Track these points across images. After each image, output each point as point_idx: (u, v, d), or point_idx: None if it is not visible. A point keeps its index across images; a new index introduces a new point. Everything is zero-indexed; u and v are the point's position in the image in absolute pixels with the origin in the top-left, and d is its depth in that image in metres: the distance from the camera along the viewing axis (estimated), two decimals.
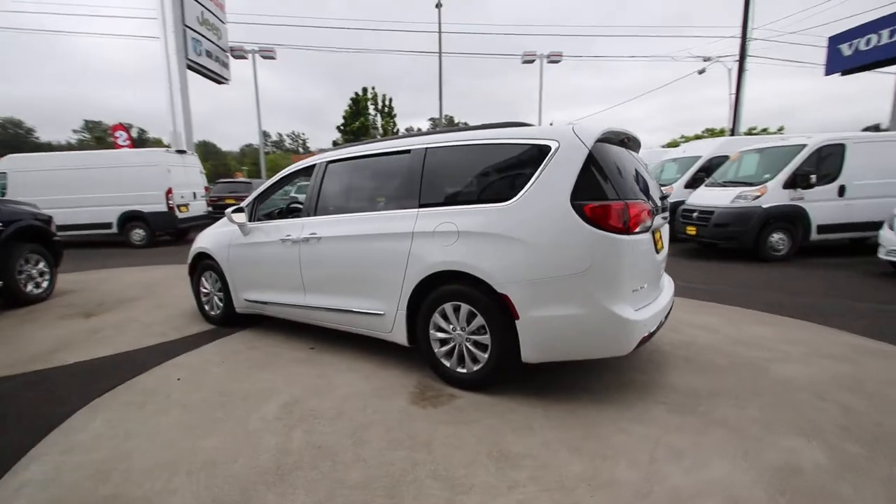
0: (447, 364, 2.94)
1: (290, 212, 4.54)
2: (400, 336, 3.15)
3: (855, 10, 17.86)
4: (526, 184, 2.62)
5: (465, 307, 2.80)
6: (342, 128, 31.62)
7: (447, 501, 1.84)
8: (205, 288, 4.62)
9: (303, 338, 4.00)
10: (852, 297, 5.09)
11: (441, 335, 2.94)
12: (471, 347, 2.83)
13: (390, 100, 32.18)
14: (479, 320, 2.76)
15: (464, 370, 2.88)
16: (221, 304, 4.47)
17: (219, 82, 17.74)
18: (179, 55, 14.96)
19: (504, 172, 2.80)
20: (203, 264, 4.57)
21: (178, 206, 10.45)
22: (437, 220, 2.89)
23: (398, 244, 3.03)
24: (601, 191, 2.49)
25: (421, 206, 3.01)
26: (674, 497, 1.85)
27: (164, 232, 10.88)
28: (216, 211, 12.82)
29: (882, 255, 6.11)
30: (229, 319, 4.44)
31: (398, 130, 32.82)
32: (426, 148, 3.08)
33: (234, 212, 4.02)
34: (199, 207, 11.51)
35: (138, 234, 10.51)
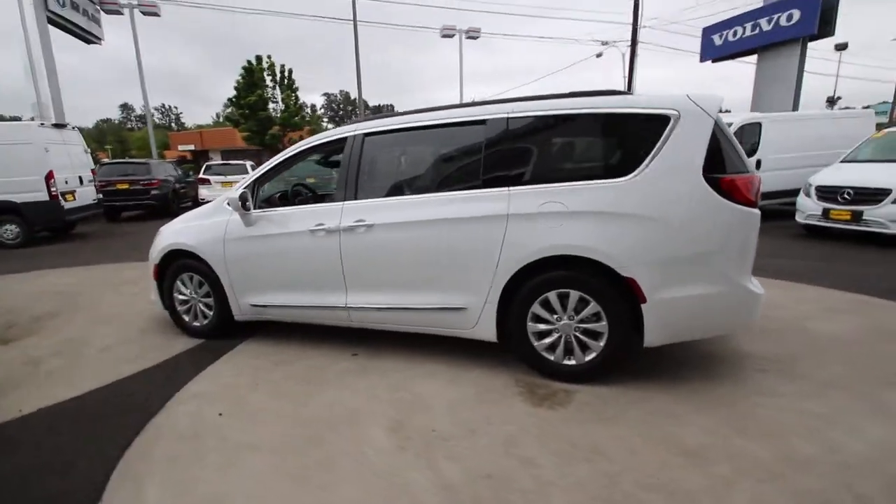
0: (550, 358, 2.70)
1: (294, 196, 3.82)
2: (486, 332, 2.81)
3: (730, 4, 20.32)
4: (646, 157, 2.43)
5: (574, 294, 2.57)
6: (235, 100, 28.29)
7: None
8: (181, 294, 3.72)
9: (331, 343, 3.42)
10: (793, 257, 5.85)
11: (542, 327, 2.68)
12: (580, 337, 2.62)
13: (290, 71, 29.51)
14: (592, 307, 2.54)
15: (572, 362, 2.67)
16: (211, 312, 3.64)
17: (88, 41, 14.38)
18: (38, 5, 11.72)
19: (615, 145, 2.58)
20: (178, 264, 3.66)
21: (63, 194, 8.39)
22: (538, 199, 2.58)
23: (488, 229, 2.66)
24: (731, 163, 2.41)
25: (511, 184, 2.66)
26: (875, 461, 1.88)
27: (44, 227, 8.69)
28: (107, 199, 10.64)
29: (800, 219, 7.15)
30: (221, 330, 3.65)
31: (301, 105, 30.37)
32: (508, 118, 2.71)
33: (238, 198, 3.22)
34: (88, 195, 9.36)
35: (10, 230, 8.20)
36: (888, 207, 6.06)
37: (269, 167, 3.43)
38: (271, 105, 29.20)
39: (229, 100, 28.50)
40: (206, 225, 3.56)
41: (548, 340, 2.69)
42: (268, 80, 28.81)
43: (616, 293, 2.50)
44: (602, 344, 2.58)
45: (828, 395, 2.46)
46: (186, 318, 3.75)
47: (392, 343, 3.34)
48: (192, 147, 35.18)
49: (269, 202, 3.61)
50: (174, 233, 3.73)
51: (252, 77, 27.74)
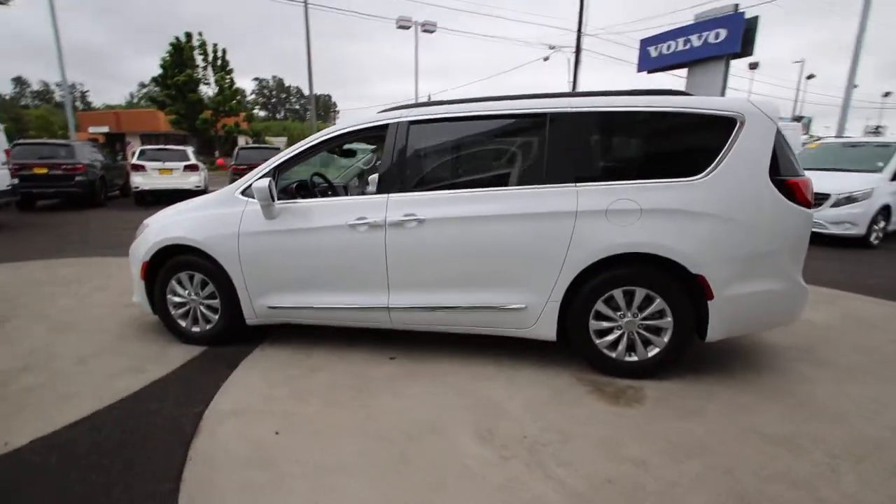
0: (612, 355, 2.69)
1: (311, 187, 3.49)
2: (546, 331, 2.75)
3: (665, 21, 21.91)
4: (716, 157, 2.49)
5: (640, 291, 2.58)
6: (160, 79, 25.79)
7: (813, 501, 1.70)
8: (178, 296, 3.25)
9: (359, 346, 3.17)
10: None
11: (605, 324, 2.67)
12: (643, 333, 2.64)
13: (223, 51, 27.44)
14: (658, 304, 2.57)
15: (634, 358, 2.68)
16: (216, 316, 3.23)
17: None
18: None
19: (683, 144, 2.63)
20: (175, 262, 3.20)
21: None
22: (608, 197, 2.55)
23: (555, 226, 2.59)
24: (792, 166, 2.53)
25: (578, 180, 2.61)
26: None
27: None
28: (23, 184, 9.15)
29: None
30: (227, 335, 3.26)
31: (238, 89, 28.34)
32: (573, 112, 2.65)
33: (267, 187, 2.85)
34: (2, 180, 7.99)
35: None
36: (827, 211, 6.83)
37: (292, 154, 3.09)
38: (202, 87, 26.98)
39: (154, 79, 25.94)
40: (213, 216, 3.14)
41: (610, 338, 2.68)
42: (198, 59, 26.59)
43: (683, 290, 2.54)
44: (665, 340, 2.61)
45: (862, 381, 2.68)
46: (183, 324, 3.30)
47: (426, 345, 3.16)
48: (105, 129, 31.45)
49: (286, 193, 3.27)
50: (169, 226, 3.25)
51: (181, 55, 25.44)
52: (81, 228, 8.34)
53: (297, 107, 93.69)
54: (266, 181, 2.84)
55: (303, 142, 3.13)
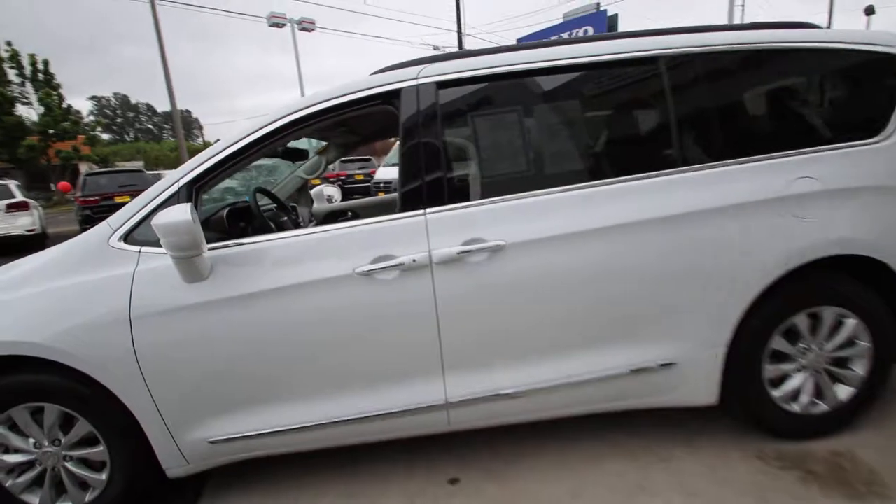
0: (795, 409, 1.81)
1: (258, 214, 2.08)
2: (702, 392, 1.78)
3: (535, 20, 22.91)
4: (891, 108, 1.74)
5: (829, 311, 1.74)
6: None
7: None
8: (13, 452, 1.67)
9: (375, 463, 1.90)
10: None
11: (786, 367, 1.78)
12: (832, 370, 1.81)
13: (45, 62, 22.43)
14: (851, 326, 1.75)
15: (824, 408, 1.82)
16: (104, 476, 1.69)
17: None
18: None
19: (846, 93, 1.84)
20: None
21: None
22: (780, 175, 1.66)
23: (712, 229, 1.64)
24: None
25: (726, 156, 1.68)
26: None
27: None
28: None
29: None
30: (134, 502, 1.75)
31: (69, 106, 23.43)
32: (695, 53, 1.72)
33: (192, 221, 1.43)
34: None
35: None
36: None
37: (219, 156, 1.69)
38: (21, 108, 21.75)
39: None
40: (69, 291, 1.62)
41: (791, 385, 1.80)
42: (11, 74, 21.41)
43: (883, 302, 1.76)
44: (862, 373, 1.81)
45: None
46: (35, 501, 1.70)
47: (481, 440, 1.99)
48: None
49: (213, 227, 1.86)
50: None
51: None
52: None
53: (151, 126, 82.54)
54: (184, 210, 1.43)
55: (238, 133, 1.74)
